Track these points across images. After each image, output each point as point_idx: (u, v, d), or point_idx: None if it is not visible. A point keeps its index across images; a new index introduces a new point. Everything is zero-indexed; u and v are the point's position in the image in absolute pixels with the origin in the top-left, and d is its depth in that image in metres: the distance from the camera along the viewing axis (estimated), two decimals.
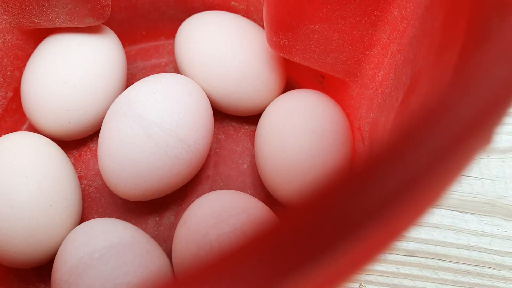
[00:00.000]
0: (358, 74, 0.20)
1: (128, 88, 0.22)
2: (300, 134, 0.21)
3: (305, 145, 0.20)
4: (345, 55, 0.19)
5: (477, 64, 0.08)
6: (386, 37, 0.17)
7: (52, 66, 0.22)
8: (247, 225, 0.18)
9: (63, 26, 0.22)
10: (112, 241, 0.19)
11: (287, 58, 0.21)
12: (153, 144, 0.20)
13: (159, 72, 0.28)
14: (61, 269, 0.18)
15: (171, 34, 0.28)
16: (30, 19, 0.21)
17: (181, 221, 0.20)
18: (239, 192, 0.21)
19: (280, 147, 0.21)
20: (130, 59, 0.28)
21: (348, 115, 0.23)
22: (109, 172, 0.20)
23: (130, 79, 0.28)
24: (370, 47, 0.18)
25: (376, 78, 0.19)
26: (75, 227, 0.21)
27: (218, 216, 0.19)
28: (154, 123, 0.20)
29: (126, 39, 0.28)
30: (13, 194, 0.19)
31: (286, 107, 0.22)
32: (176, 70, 0.27)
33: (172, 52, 0.27)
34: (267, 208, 0.20)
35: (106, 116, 0.21)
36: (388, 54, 0.17)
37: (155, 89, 0.21)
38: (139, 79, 0.27)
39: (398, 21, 0.16)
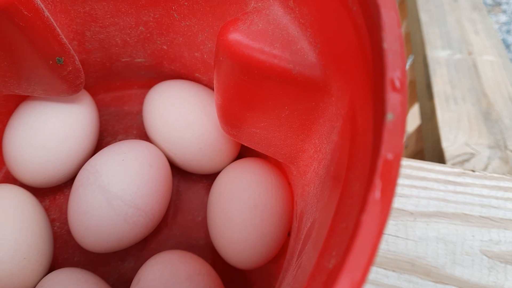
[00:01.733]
0: (295, 163, 0.23)
1: (97, 154, 0.25)
2: (243, 208, 0.24)
3: (247, 218, 0.24)
4: (283, 151, 0.22)
5: None
6: (312, 150, 0.20)
7: (31, 127, 0.25)
8: None
9: (40, 96, 0.25)
10: None
11: (237, 141, 0.24)
12: (114, 213, 0.23)
13: (131, 118, 0.31)
14: None
15: (144, 85, 0.31)
16: (12, 90, 0.24)
17: (135, 280, 0.23)
18: (186, 254, 0.24)
19: (226, 217, 0.24)
20: (104, 105, 0.31)
21: (290, 185, 0.26)
22: (77, 231, 0.24)
23: (104, 124, 0.31)
24: (302, 152, 0.21)
25: (307, 176, 0.22)
26: (45, 273, 0.24)
27: (165, 282, 0.22)
28: (116, 195, 0.23)
29: (101, 88, 0.30)
30: None
31: (234, 178, 0.25)
32: None
33: (143, 101, 0.30)
34: (209, 270, 0.24)
35: (75, 181, 0.24)
36: (313, 166, 0.20)
37: (119, 162, 0.24)
38: (112, 126, 0.30)
39: (317, 149, 0.19)
